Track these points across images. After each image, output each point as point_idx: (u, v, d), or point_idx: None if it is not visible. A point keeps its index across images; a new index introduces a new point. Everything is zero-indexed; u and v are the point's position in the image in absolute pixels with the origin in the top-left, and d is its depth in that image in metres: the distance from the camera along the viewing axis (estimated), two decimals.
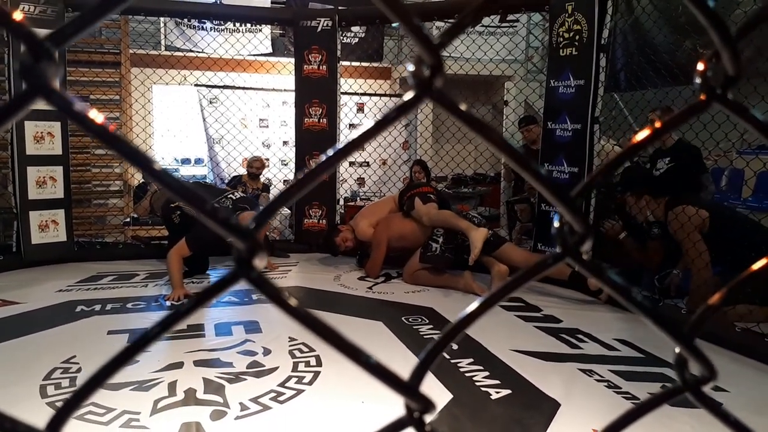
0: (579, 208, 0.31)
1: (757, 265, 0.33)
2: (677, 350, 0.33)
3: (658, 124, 0.32)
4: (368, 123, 0.29)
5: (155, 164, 0.26)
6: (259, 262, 0.28)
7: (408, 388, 0.29)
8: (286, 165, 7.24)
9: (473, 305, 0.32)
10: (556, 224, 0.31)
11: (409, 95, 0.28)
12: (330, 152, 0.28)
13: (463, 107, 0.29)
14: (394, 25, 6.43)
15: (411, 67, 0.28)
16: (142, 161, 0.26)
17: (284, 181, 7.14)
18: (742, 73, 0.31)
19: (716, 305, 0.34)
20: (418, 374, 0.30)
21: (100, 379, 0.26)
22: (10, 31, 0.23)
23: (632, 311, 0.32)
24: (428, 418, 0.31)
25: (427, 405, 0.30)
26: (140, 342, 0.27)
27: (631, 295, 0.32)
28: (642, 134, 0.32)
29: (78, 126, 0.25)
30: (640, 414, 0.35)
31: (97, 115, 0.25)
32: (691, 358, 0.33)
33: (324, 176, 0.29)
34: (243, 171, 6.06)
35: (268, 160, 7.35)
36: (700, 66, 0.32)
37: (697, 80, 0.32)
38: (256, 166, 5.72)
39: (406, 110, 0.28)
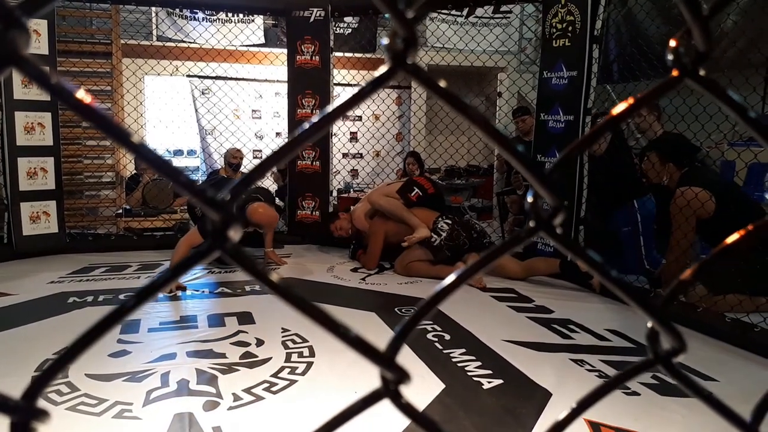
0: (553, 183, 0.31)
1: (730, 239, 0.34)
2: (649, 324, 0.34)
3: (631, 100, 0.32)
4: (346, 95, 0.29)
5: (132, 136, 0.26)
6: (234, 234, 0.28)
7: (384, 358, 0.30)
8: None
9: (449, 278, 0.33)
10: (529, 199, 0.32)
11: (383, 68, 0.29)
12: (306, 125, 0.29)
13: (442, 84, 0.29)
14: (387, 16, 6.40)
15: (385, 41, 0.28)
16: (119, 133, 0.26)
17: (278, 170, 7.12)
18: (712, 49, 0.31)
19: (688, 280, 0.35)
20: (394, 345, 0.31)
21: (78, 349, 0.27)
22: None
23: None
24: (404, 390, 0.31)
25: (403, 375, 0.31)
26: (117, 314, 0.27)
27: (604, 269, 0.32)
28: (619, 107, 0.33)
29: (54, 97, 0.25)
30: (614, 386, 0.35)
31: (73, 87, 0.25)
32: (662, 331, 0.34)
33: (302, 147, 0.30)
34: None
35: (260, 151, 7.33)
36: (672, 43, 0.32)
37: (669, 57, 0.33)
38: (239, 157, 5.66)
39: (381, 83, 0.29)
